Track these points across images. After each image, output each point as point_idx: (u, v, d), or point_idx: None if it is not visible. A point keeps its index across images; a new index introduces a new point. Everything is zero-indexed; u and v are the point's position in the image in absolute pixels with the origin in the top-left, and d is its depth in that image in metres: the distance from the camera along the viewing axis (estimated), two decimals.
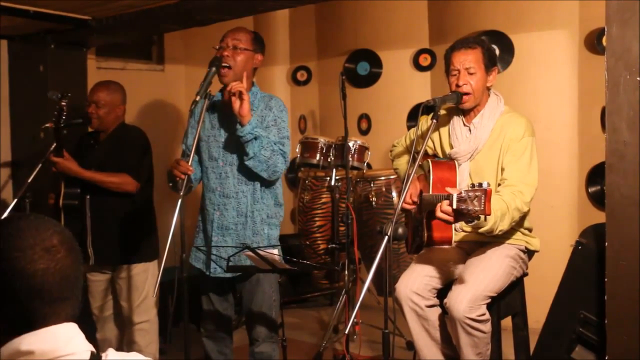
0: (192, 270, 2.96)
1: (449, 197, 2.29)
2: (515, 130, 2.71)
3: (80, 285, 1.22)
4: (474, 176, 2.76)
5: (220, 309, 3.04)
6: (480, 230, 2.53)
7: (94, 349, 1.18)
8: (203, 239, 3.02)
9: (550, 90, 4.42)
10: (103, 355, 1.19)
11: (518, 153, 2.68)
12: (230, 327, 3.13)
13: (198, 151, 2.99)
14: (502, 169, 2.71)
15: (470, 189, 2.22)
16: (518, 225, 2.74)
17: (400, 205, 2.36)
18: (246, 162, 2.77)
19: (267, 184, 2.91)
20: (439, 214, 2.35)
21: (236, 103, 2.70)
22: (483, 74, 2.75)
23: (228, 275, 2.90)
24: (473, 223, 2.39)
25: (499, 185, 2.69)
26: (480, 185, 2.19)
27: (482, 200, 2.16)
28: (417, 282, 2.73)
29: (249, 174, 2.87)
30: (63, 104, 3.19)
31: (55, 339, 1.14)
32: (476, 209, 2.17)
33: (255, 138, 2.71)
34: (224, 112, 2.88)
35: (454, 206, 2.24)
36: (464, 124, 2.84)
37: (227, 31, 2.93)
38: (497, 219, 2.48)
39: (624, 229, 2.03)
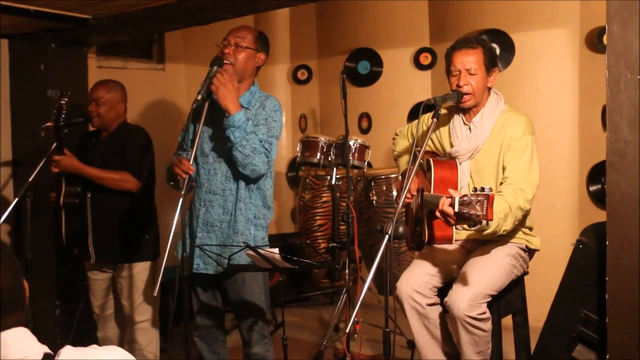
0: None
1: (451, 198, 2.29)
2: (516, 129, 2.71)
3: (23, 294, 1.23)
4: (474, 175, 2.76)
5: (209, 308, 3.01)
6: (484, 233, 2.54)
7: (48, 350, 1.17)
8: (189, 233, 2.98)
9: (551, 89, 4.41)
10: (57, 355, 1.18)
11: (519, 152, 2.68)
12: (223, 326, 3.10)
13: (191, 147, 2.97)
14: (504, 168, 2.71)
15: (472, 193, 2.21)
16: (519, 224, 2.73)
17: (401, 203, 2.35)
18: (231, 151, 2.76)
19: (254, 183, 2.88)
20: (439, 213, 2.35)
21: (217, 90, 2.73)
22: (484, 75, 2.75)
23: (211, 272, 2.88)
24: (475, 227, 2.38)
25: (501, 184, 2.69)
26: (483, 189, 2.17)
27: (485, 205, 2.14)
28: (418, 280, 2.73)
29: (237, 172, 2.84)
30: (62, 102, 3.18)
31: (4, 345, 1.13)
32: (478, 213, 2.16)
33: (238, 127, 2.70)
34: (217, 110, 2.88)
35: (456, 209, 2.23)
36: (464, 123, 2.84)
37: (231, 29, 2.93)
38: (500, 221, 2.48)
39: (625, 227, 2.03)
